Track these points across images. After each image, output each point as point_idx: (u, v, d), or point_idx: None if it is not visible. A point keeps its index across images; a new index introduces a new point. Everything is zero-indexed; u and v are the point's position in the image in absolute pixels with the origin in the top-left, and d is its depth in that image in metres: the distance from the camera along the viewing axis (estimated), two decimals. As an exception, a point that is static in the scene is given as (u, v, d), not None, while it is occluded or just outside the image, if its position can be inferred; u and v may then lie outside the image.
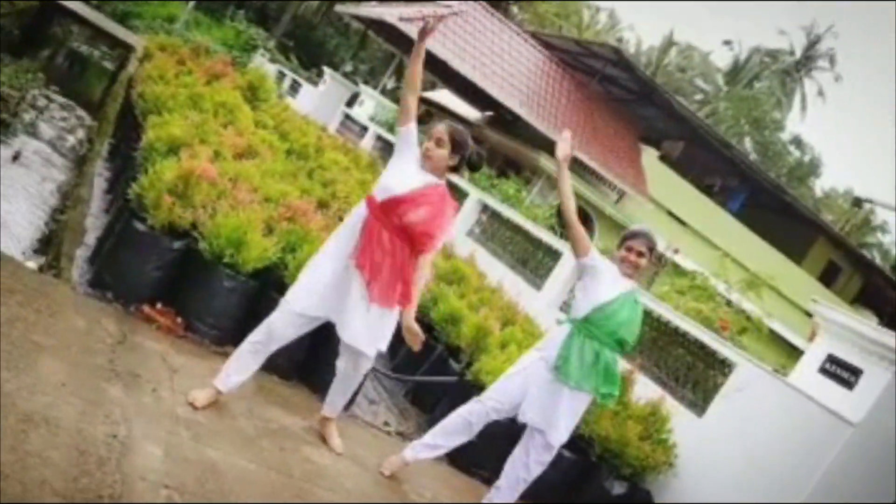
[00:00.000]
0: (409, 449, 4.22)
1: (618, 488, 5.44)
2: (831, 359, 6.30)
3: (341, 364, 3.99)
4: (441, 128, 3.82)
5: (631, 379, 5.91)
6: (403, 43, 19.74)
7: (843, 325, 6.28)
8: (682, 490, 5.87)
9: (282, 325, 3.73)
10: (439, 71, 22.16)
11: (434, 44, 18.65)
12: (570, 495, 5.36)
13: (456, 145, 3.79)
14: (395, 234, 3.66)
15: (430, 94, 26.96)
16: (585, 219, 21.59)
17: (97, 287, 4.27)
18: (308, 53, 32.04)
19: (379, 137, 15.20)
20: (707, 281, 8.28)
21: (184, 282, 4.46)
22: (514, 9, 33.43)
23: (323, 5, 32.23)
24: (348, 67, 23.31)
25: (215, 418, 3.62)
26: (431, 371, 5.85)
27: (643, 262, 4.14)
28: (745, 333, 7.83)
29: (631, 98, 23.31)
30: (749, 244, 21.48)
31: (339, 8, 23.03)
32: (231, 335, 4.50)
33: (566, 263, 8.52)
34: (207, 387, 3.70)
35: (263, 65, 23.05)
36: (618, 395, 4.20)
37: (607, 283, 4.08)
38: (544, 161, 20.04)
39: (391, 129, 16.45)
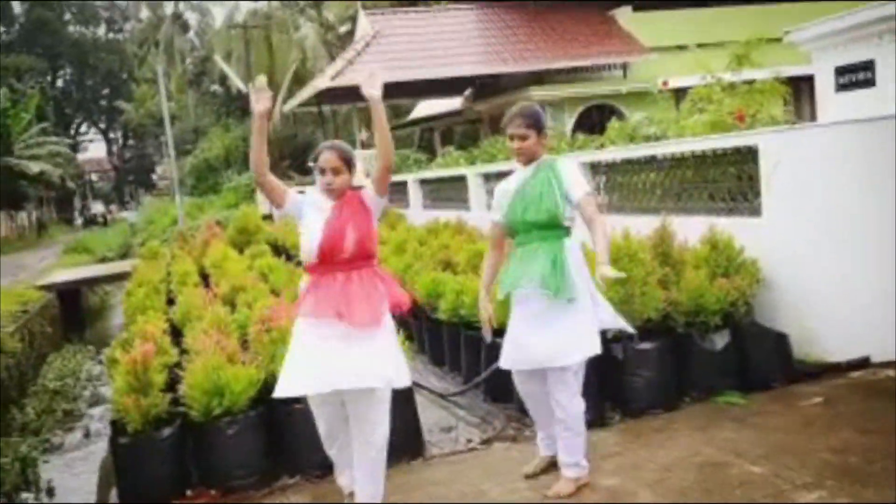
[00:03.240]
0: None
1: (719, 341, 4.93)
2: (840, 70, 5.61)
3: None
4: (326, 156, 3.52)
5: (664, 233, 5.41)
6: (350, 96, 19.70)
7: (828, 32, 5.60)
8: (783, 296, 5.30)
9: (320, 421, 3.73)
10: (403, 93, 22.07)
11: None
12: (678, 381, 4.88)
13: (348, 163, 3.57)
14: (342, 269, 3.53)
15: (413, 115, 26.86)
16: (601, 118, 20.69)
17: (127, 516, 4.24)
18: (303, 159, 32.57)
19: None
20: (700, 88, 7.62)
21: (198, 453, 4.38)
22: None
23: (290, 116, 32.79)
24: (328, 148, 23.46)
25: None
26: (492, 362, 5.52)
27: (529, 143, 3.71)
28: (770, 105, 7.11)
29: (570, -18, 22.46)
30: (771, 18, 19.92)
31: (286, 108, 23.32)
32: (268, 471, 4.38)
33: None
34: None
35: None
36: (558, 285, 3.58)
37: (506, 189, 3.84)
38: (534, 91, 19.45)
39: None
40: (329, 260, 3.52)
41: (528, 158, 3.77)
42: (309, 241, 3.55)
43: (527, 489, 3.88)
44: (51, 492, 7.13)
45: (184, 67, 43.06)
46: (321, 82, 18.16)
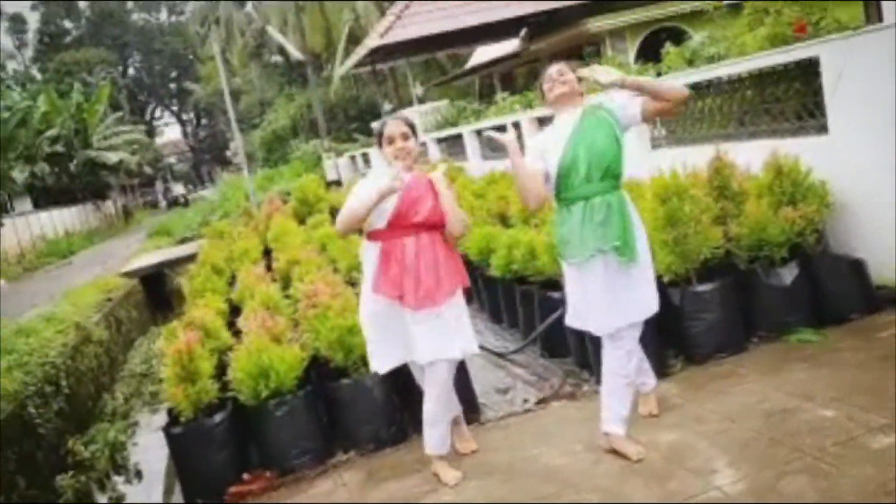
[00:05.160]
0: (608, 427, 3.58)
1: (787, 274, 4.57)
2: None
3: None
4: (394, 124, 3.66)
5: (719, 165, 5.03)
6: (403, 47, 19.38)
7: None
8: (857, 219, 4.87)
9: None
10: (457, 41, 21.59)
11: (427, 28, 18.21)
12: (744, 321, 4.56)
13: (413, 130, 3.70)
14: (416, 232, 3.59)
15: (471, 63, 26.29)
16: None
17: (191, 502, 4.26)
18: (367, 121, 32.55)
19: (438, 140, 14.89)
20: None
21: (253, 436, 4.38)
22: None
23: (351, 78, 32.68)
24: (387, 107, 23.28)
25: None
26: (546, 316, 5.32)
27: (571, 81, 3.50)
28: (837, 11, 6.48)
29: None
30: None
31: (341, 70, 23.19)
32: (322, 447, 4.34)
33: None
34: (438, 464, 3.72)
35: (336, 165, 23.73)
36: (630, 243, 3.45)
37: (552, 139, 3.50)
38: (592, 23, 18.64)
39: (444, 125, 16.08)
40: (401, 223, 3.56)
41: (574, 99, 3.53)
42: (386, 204, 3.54)
43: (583, 451, 3.70)
44: (139, 474, 7.41)
45: (244, 41, 43.40)
46: (371, 41, 17.90)
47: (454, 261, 3.76)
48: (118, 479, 7.39)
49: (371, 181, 3.63)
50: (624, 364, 3.49)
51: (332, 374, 4.48)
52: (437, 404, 3.64)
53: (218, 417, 4.29)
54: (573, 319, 3.71)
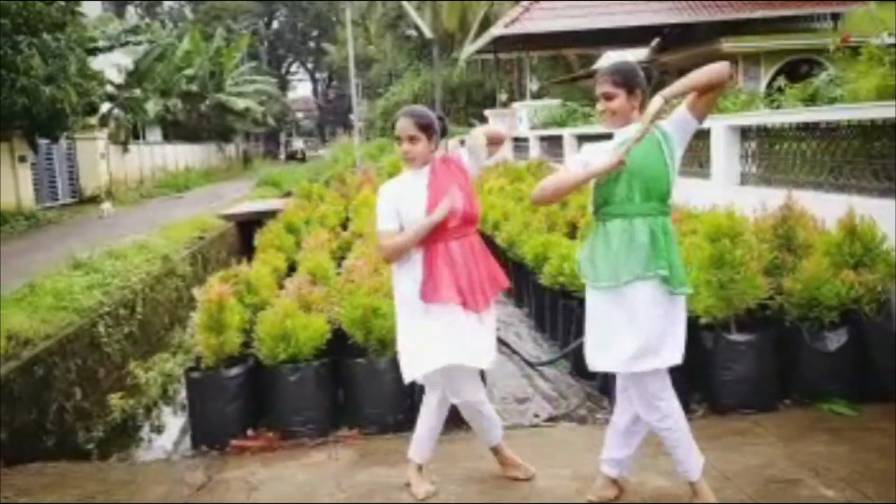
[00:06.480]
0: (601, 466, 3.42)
1: (833, 340, 4.31)
2: None
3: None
4: (401, 123, 3.39)
5: (787, 213, 4.79)
6: (525, 40, 19.28)
7: None
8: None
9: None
10: (585, 42, 21.31)
11: (552, 24, 18.05)
12: (780, 380, 4.35)
13: (426, 129, 3.35)
14: (454, 237, 3.35)
15: (598, 66, 25.84)
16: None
17: (196, 446, 4.46)
18: (484, 107, 32.49)
19: (542, 139, 14.77)
20: (871, 47, 6.57)
21: (263, 394, 4.52)
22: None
23: (479, 63, 32.75)
24: (503, 97, 23.23)
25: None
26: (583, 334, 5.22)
27: (614, 104, 3.17)
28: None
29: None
30: None
31: (464, 56, 23.29)
32: (327, 420, 4.44)
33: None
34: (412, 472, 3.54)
35: (446, 147, 23.86)
36: (680, 271, 3.13)
37: (602, 149, 3.29)
38: (725, 43, 17.96)
39: (551, 124, 15.92)
40: (441, 226, 3.29)
41: (622, 121, 3.25)
42: (414, 210, 3.30)
43: (571, 479, 3.64)
44: (184, 408, 7.77)
45: (384, 10, 44.16)
46: (496, 29, 17.90)
47: (492, 259, 3.56)
48: (165, 410, 7.78)
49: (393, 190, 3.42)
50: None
51: (351, 351, 4.56)
52: (436, 411, 3.49)
53: (235, 371, 4.46)
54: (595, 355, 3.34)
